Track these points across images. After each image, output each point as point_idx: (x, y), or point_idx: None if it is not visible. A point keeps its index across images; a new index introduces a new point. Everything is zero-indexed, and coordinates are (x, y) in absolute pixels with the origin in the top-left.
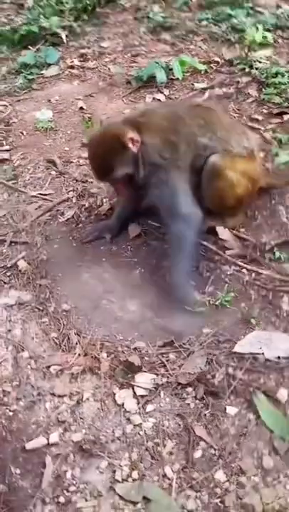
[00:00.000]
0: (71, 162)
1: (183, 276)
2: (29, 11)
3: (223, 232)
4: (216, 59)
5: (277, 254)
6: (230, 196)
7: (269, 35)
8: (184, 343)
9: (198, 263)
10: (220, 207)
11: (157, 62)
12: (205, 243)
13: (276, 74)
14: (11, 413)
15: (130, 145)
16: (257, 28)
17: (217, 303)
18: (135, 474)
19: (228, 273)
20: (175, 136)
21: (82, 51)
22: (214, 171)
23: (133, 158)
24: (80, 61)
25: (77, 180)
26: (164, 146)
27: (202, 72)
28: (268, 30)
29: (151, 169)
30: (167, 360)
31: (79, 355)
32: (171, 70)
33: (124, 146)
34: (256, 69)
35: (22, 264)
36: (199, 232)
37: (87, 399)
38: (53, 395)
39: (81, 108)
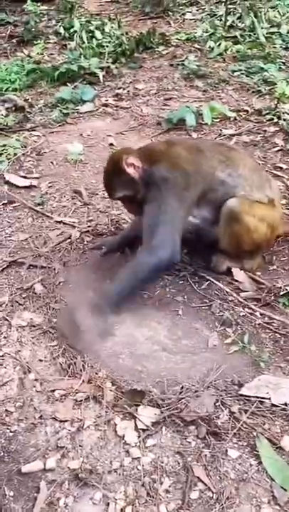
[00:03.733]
0: (96, 194)
1: (113, 299)
2: (71, 51)
3: (238, 274)
4: (246, 108)
5: None
6: (247, 241)
7: None
8: (191, 383)
9: (212, 302)
10: (236, 250)
11: (188, 107)
12: (219, 283)
13: None
14: (11, 434)
15: (129, 170)
16: (287, 82)
17: (227, 342)
18: (129, 509)
19: (241, 314)
20: (190, 166)
21: (117, 91)
22: (232, 215)
23: (132, 182)
24: (115, 100)
25: (100, 212)
26: (174, 171)
27: (231, 119)
28: None
29: (152, 187)
30: (172, 397)
31: (84, 382)
32: (201, 115)
33: (122, 170)
34: (284, 120)
35: (38, 288)
36: (160, 270)
37: (88, 427)
38: (55, 419)
39: (111, 144)
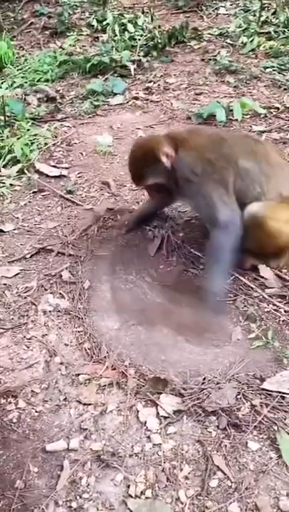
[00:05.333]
0: (124, 186)
1: (218, 285)
2: (103, 44)
3: (264, 270)
4: (277, 105)
5: None
6: (271, 245)
7: None
8: (213, 374)
9: (236, 296)
10: (260, 252)
11: (219, 102)
12: (244, 279)
13: None
14: (36, 413)
15: (163, 159)
16: None
17: (251, 337)
18: (149, 493)
19: (266, 310)
20: (212, 154)
21: (148, 85)
22: (255, 221)
23: (165, 170)
24: (145, 93)
25: (128, 203)
26: (198, 163)
27: (261, 116)
28: None
29: (184, 182)
30: (194, 387)
31: (108, 368)
32: (231, 111)
33: (157, 159)
34: None
35: (65, 275)
36: (238, 237)
37: (111, 411)
38: (79, 402)
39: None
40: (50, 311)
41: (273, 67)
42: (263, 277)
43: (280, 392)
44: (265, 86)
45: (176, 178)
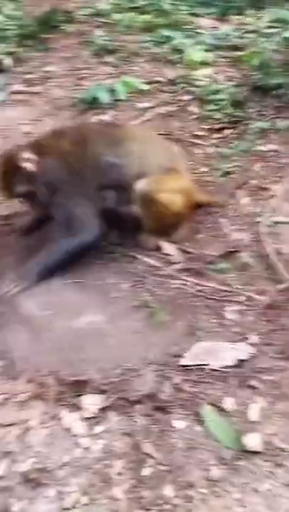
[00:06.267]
0: None
1: (37, 268)
2: None
3: (167, 247)
4: (159, 79)
5: (221, 265)
6: (168, 216)
7: (208, 55)
8: (132, 363)
9: (144, 279)
10: (161, 227)
11: (100, 84)
12: (150, 260)
13: (216, 91)
14: None
15: (24, 165)
16: (197, 49)
17: (164, 316)
18: (84, 499)
19: (174, 287)
20: (76, 159)
21: (27, 76)
22: (144, 198)
23: (30, 177)
24: (25, 86)
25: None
26: (63, 169)
27: (145, 92)
28: (208, 51)
29: (50, 190)
30: (115, 380)
31: (25, 382)
32: (115, 91)
33: (18, 167)
34: (197, 87)
35: None
36: (82, 251)
37: (35, 426)
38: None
39: (28, 133)
40: None
41: (150, 41)
42: (167, 254)
43: (198, 365)
44: (145, 61)
45: (43, 185)
